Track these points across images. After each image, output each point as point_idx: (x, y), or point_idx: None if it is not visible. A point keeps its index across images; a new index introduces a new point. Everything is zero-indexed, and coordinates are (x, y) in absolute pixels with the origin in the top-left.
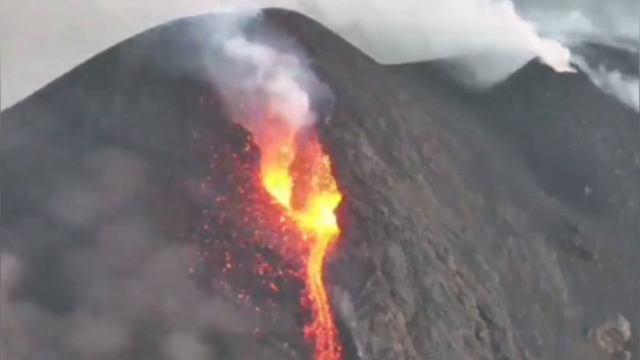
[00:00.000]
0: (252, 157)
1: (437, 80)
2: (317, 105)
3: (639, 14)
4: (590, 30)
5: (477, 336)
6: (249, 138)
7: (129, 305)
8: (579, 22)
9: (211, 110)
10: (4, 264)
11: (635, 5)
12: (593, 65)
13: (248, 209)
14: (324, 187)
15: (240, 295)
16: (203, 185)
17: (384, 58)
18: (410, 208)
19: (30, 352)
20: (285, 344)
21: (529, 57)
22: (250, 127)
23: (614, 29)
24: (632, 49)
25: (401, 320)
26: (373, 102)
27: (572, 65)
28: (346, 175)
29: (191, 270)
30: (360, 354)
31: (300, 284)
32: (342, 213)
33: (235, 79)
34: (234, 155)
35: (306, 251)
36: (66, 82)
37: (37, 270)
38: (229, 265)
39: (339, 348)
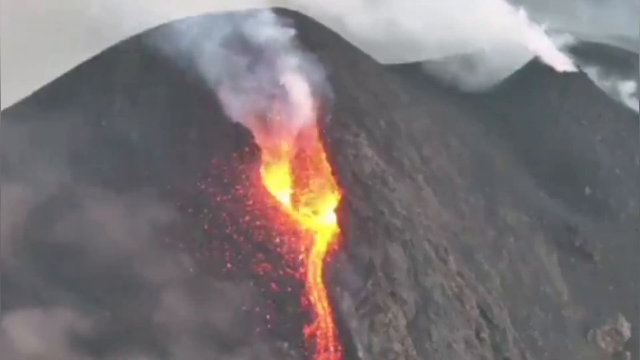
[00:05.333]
0: (253, 157)
1: (437, 80)
2: (318, 105)
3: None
4: (590, 30)
5: (478, 337)
6: (249, 138)
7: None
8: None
9: (212, 109)
10: None
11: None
12: (593, 65)
13: (248, 208)
14: (324, 187)
15: (240, 295)
16: (203, 185)
17: (384, 58)
18: (410, 208)
19: None
20: (286, 344)
21: (529, 57)
22: (250, 127)
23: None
24: (632, 49)
25: (401, 320)
26: (374, 103)
27: (572, 65)
28: (346, 176)
29: (191, 270)
30: (360, 354)
31: (300, 284)
32: (343, 213)
33: (235, 79)
34: (235, 154)
35: (307, 251)
36: (66, 81)
37: None
38: (229, 265)
39: (339, 348)
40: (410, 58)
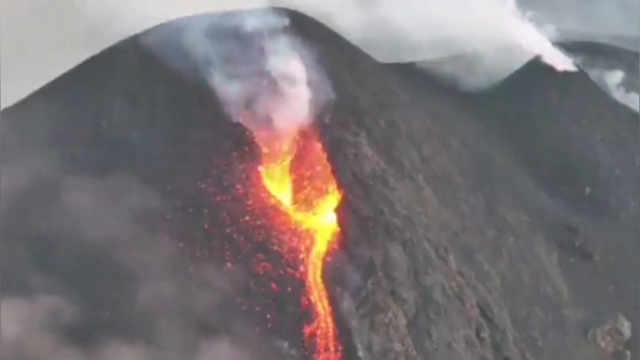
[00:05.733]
0: (253, 156)
1: (437, 80)
2: (318, 105)
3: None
4: (590, 28)
5: (478, 336)
6: (249, 137)
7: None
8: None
9: (211, 109)
10: None
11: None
12: (593, 64)
13: (248, 208)
14: (324, 186)
15: (240, 295)
16: (203, 185)
17: (384, 57)
18: (410, 208)
19: None
20: (286, 344)
21: (529, 57)
22: (250, 126)
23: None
24: (632, 48)
25: (402, 320)
26: (373, 102)
27: (572, 64)
28: (346, 175)
29: (191, 269)
30: (360, 353)
31: (300, 283)
32: (343, 213)
33: (235, 78)
34: (235, 154)
35: (307, 251)
36: (66, 81)
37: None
38: (229, 265)
39: (340, 348)
40: (403, 58)
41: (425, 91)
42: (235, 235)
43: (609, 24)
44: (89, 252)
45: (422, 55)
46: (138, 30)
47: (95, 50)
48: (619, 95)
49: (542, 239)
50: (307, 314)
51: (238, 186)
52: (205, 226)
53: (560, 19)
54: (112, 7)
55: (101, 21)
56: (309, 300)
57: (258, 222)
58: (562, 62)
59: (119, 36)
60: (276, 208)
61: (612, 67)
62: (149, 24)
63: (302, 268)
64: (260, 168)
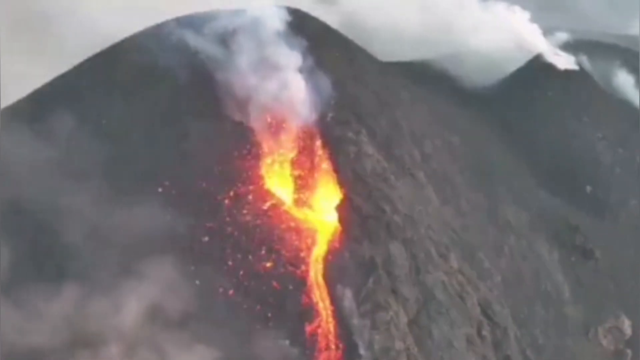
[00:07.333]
0: (254, 155)
1: (438, 78)
2: (319, 103)
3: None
4: (590, 27)
5: (479, 334)
6: (250, 136)
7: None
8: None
9: (212, 107)
10: None
11: None
12: (594, 63)
13: (249, 206)
14: (325, 185)
15: (242, 293)
16: (204, 183)
17: (385, 55)
18: (411, 206)
19: None
20: (287, 342)
21: (530, 55)
22: (251, 125)
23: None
24: (633, 47)
25: (403, 318)
26: (374, 100)
27: (573, 63)
28: (347, 173)
29: (192, 268)
30: (361, 352)
31: (302, 281)
32: (344, 211)
33: (236, 76)
34: (236, 152)
35: (308, 249)
36: (66, 81)
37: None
38: (230, 263)
39: (341, 346)
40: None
41: (426, 89)
42: (236, 234)
43: (609, 24)
44: (86, 248)
45: (425, 54)
46: (138, 29)
47: (96, 50)
48: (619, 94)
49: (543, 238)
50: (308, 312)
51: (239, 185)
52: (207, 225)
53: (560, 18)
54: (113, 6)
55: (101, 21)
56: (310, 298)
57: (259, 221)
58: (562, 60)
59: (119, 35)
60: (277, 207)
61: (612, 66)
62: (150, 23)
63: (303, 266)
64: (261, 167)
